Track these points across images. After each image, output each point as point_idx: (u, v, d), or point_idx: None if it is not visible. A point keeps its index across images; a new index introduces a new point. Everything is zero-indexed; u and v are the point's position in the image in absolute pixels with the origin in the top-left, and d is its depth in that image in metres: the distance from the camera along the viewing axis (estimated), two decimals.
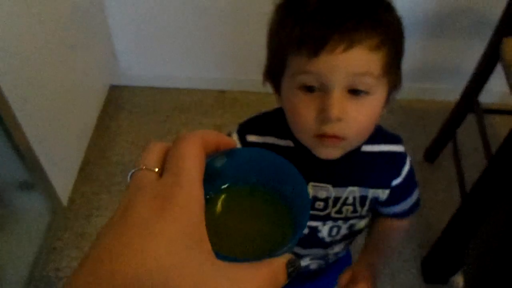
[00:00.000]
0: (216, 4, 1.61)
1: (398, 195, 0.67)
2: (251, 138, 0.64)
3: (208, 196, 0.31)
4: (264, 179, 0.33)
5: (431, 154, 1.61)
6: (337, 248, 0.72)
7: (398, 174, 0.65)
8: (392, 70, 0.54)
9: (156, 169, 0.27)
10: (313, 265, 0.74)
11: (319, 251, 0.71)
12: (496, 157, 0.97)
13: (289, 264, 0.27)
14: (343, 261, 0.84)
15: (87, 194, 1.52)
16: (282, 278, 0.26)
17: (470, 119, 1.43)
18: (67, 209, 1.46)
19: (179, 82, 1.88)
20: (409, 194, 0.69)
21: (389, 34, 0.51)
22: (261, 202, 0.33)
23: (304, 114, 0.54)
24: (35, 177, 1.23)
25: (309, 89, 0.52)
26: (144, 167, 0.27)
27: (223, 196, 0.32)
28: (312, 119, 0.53)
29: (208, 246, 0.25)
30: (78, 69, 1.50)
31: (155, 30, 1.72)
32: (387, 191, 0.66)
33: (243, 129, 0.66)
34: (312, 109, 0.53)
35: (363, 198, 0.65)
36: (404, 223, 0.72)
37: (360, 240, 0.80)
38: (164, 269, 0.23)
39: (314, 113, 0.53)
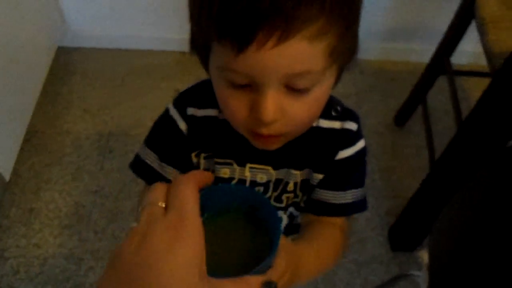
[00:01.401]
0: None
1: (342, 173, 0.57)
2: (191, 111, 0.56)
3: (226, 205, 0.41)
4: (242, 206, 0.41)
5: (401, 118, 1.55)
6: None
7: (346, 147, 0.56)
8: (344, 50, 0.43)
9: (163, 205, 0.35)
10: None
11: None
12: (466, 122, 0.91)
13: (265, 284, 0.36)
14: None
15: (35, 166, 1.40)
16: None
17: (442, 81, 1.37)
18: (12, 184, 1.35)
19: (135, 43, 1.74)
20: (352, 182, 0.58)
21: (336, 8, 0.38)
22: (242, 226, 0.41)
23: (234, 110, 0.45)
24: None
25: (238, 85, 0.43)
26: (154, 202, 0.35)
27: (210, 223, 0.40)
28: (243, 116, 0.44)
29: (205, 268, 0.33)
30: (19, 28, 1.35)
31: None
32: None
33: (182, 102, 0.57)
34: (243, 106, 0.44)
35: (305, 183, 0.58)
36: (337, 229, 0.58)
37: None
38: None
39: (245, 110, 0.44)
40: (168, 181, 0.57)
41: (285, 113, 0.43)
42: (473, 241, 0.60)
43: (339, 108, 0.56)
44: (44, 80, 1.58)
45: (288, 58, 0.39)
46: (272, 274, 0.38)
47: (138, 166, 0.60)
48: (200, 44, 0.45)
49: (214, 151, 0.56)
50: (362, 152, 0.57)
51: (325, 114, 0.53)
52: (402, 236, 1.27)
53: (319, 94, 0.44)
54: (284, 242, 0.41)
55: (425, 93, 1.40)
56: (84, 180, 1.39)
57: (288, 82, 0.41)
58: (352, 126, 0.56)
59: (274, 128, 0.44)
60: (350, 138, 0.56)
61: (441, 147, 1.03)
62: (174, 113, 0.57)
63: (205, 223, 0.35)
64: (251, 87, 0.42)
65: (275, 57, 0.38)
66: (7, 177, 1.31)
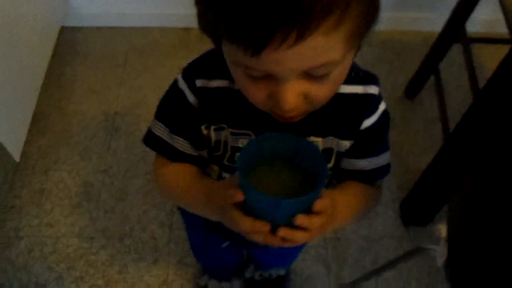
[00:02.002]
0: None
1: (368, 141, 0.56)
2: (200, 82, 0.54)
3: (254, 166, 0.46)
4: (286, 154, 0.46)
5: (412, 90, 1.51)
6: None
7: (370, 115, 0.55)
8: (364, 29, 0.40)
9: None
10: None
11: None
12: (483, 92, 0.87)
13: None
14: None
15: (43, 147, 1.40)
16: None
17: (454, 52, 1.32)
18: (22, 165, 1.35)
19: (137, 20, 1.70)
20: (378, 147, 0.58)
21: None
22: (287, 172, 0.47)
23: (253, 94, 0.44)
24: None
25: (256, 76, 0.41)
26: None
27: (264, 166, 0.47)
28: (263, 100, 0.44)
29: None
30: (21, 10, 1.32)
31: None
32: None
33: (191, 73, 0.55)
34: (263, 92, 0.43)
35: (328, 151, 0.56)
36: (371, 189, 0.60)
37: None
38: None
39: (265, 95, 0.43)
40: (179, 152, 0.57)
41: (306, 97, 0.42)
42: (492, 215, 0.59)
43: (360, 72, 0.53)
44: (48, 62, 1.56)
45: (305, 55, 0.37)
46: (321, 204, 0.43)
47: (150, 140, 0.60)
48: (210, 31, 0.42)
49: (229, 122, 0.54)
50: (386, 114, 0.56)
51: (346, 78, 0.50)
52: (414, 211, 1.25)
53: (339, 74, 0.43)
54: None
55: (438, 63, 1.36)
56: (91, 159, 1.38)
57: (307, 72, 0.40)
58: (374, 90, 0.54)
59: (296, 110, 0.44)
60: (373, 103, 0.54)
61: (455, 120, 1.01)
62: (182, 85, 0.55)
63: (255, 172, 0.44)
64: (270, 76, 0.41)
65: (292, 56, 0.37)
66: (17, 158, 1.31)
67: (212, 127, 0.55)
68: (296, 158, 0.46)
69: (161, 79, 1.55)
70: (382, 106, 0.55)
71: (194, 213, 0.60)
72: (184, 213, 0.83)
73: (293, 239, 0.44)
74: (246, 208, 0.44)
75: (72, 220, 1.26)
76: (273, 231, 0.44)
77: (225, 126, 0.54)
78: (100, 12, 1.68)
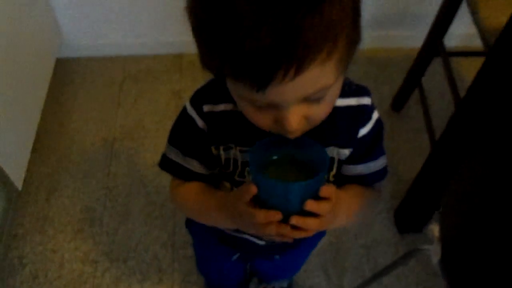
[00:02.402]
0: None
1: (364, 148, 0.61)
2: (207, 107, 0.59)
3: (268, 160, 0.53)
4: (285, 154, 0.54)
5: (398, 103, 1.59)
6: None
7: (365, 124, 0.60)
8: (351, 52, 0.45)
9: None
10: None
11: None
12: (464, 100, 0.94)
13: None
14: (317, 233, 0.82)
15: (44, 175, 1.43)
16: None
17: (435, 65, 1.40)
18: (24, 193, 1.37)
19: (130, 49, 1.76)
20: (375, 152, 0.63)
21: (341, 30, 0.40)
22: (289, 169, 0.53)
23: (258, 120, 0.49)
24: None
25: (259, 106, 0.46)
26: None
27: (272, 167, 0.53)
28: (268, 125, 0.48)
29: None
30: (19, 45, 1.37)
31: None
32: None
33: (198, 100, 0.60)
34: (266, 118, 0.47)
35: (330, 161, 0.61)
36: (371, 190, 0.66)
37: None
38: None
39: (269, 121, 0.48)
40: (192, 172, 0.61)
41: (306, 118, 0.47)
42: (482, 211, 0.63)
43: (353, 86, 0.59)
44: (46, 92, 1.61)
45: (304, 85, 0.42)
46: (327, 189, 0.48)
47: (165, 163, 0.65)
48: (214, 71, 0.46)
49: (236, 141, 0.59)
50: (379, 122, 0.61)
51: (341, 93, 0.55)
52: (408, 218, 1.30)
53: (333, 94, 0.48)
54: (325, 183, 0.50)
55: (421, 77, 1.44)
56: (92, 185, 1.41)
57: (306, 97, 0.45)
58: (367, 101, 0.59)
59: (300, 130, 0.49)
60: (367, 113, 0.60)
61: (440, 128, 1.07)
62: (191, 111, 0.60)
63: (264, 170, 0.50)
64: (273, 104, 0.45)
65: (293, 87, 0.41)
66: (19, 186, 1.34)
67: (221, 147, 0.60)
68: (298, 156, 0.52)
69: (156, 103, 1.60)
70: (375, 115, 0.61)
71: (210, 224, 0.64)
72: (193, 229, 0.87)
73: (305, 225, 0.49)
74: (259, 203, 0.49)
75: (76, 244, 1.29)
76: (285, 221, 0.49)
77: (232, 145, 0.59)
78: (94, 43, 1.74)
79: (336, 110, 0.56)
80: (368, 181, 0.64)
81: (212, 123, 0.59)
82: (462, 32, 1.64)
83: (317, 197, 0.49)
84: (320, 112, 0.48)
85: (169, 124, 0.64)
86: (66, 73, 1.72)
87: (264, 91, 0.41)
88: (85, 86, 1.68)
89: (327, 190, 0.49)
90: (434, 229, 0.77)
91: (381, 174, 0.65)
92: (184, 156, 0.62)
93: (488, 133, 0.77)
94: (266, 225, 0.49)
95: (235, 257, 0.83)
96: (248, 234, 0.71)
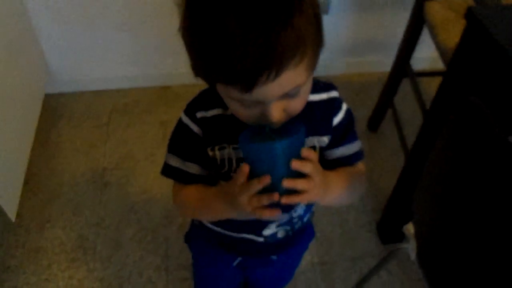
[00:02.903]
0: None
1: (340, 134, 0.70)
2: (200, 114, 0.67)
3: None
4: (274, 136, 0.58)
5: (374, 123, 1.69)
6: (299, 210, 0.75)
7: (337, 113, 0.69)
8: (317, 52, 0.55)
9: None
10: (280, 233, 0.77)
11: (283, 216, 0.74)
12: (430, 111, 1.03)
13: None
14: (308, 233, 0.89)
15: (36, 206, 1.46)
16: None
17: (405, 86, 1.51)
18: (16, 225, 1.40)
19: (117, 83, 1.83)
20: (350, 136, 0.71)
21: (308, 37, 0.51)
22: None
23: (244, 116, 0.58)
24: None
25: (246, 104, 0.56)
26: None
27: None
28: (253, 119, 0.58)
29: None
30: (9, 82, 1.43)
31: (84, 29, 1.66)
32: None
33: (191, 109, 0.68)
34: (253, 113, 0.57)
35: (312, 149, 0.68)
36: (355, 168, 0.74)
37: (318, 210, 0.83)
38: None
39: (255, 115, 0.57)
40: (193, 176, 0.68)
41: (285, 110, 0.57)
42: (447, 204, 0.70)
43: (321, 83, 0.69)
44: (36, 127, 1.66)
45: (282, 84, 0.52)
46: (306, 150, 0.57)
47: (167, 170, 0.72)
48: (205, 78, 0.57)
49: (228, 140, 0.67)
50: (349, 111, 0.71)
51: (312, 90, 0.64)
52: (389, 229, 1.37)
53: (306, 90, 0.59)
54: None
55: (392, 98, 1.54)
56: (84, 214, 1.44)
57: (284, 94, 0.55)
58: (335, 94, 0.70)
59: (280, 122, 0.58)
60: (337, 104, 0.70)
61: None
62: (186, 120, 0.68)
63: (247, 142, 0.56)
64: (258, 102, 0.55)
65: (274, 87, 0.52)
66: (12, 218, 1.36)
67: (216, 148, 0.67)
68: (278, 139, 0.59)
69: (144, 133, 1.66)
70: (344, 106, 0.71)
71: (212, 218, 0.72)
72: (193, 243, 0.93)
73: (296, 185, 0.55)
74: (251, 176, 0.56)
75: (70, 273, 1.31)
76: (277, 189, 0.55)
77: (226, 145, 0.67)
78: (81, 78, 1.81)
79: (312, 104, 0.66)
80: (349, 161, 0.73)
81: (206, 127, 0.67)
82: (426, 55, 1.77)
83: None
84: (296, 105, 0.58)
85: (157, 153, 0.72)
86: (55, 108, 1.77)
87: (251, 92, 0.51)
88: (74, 120, 1.74)
89: (307, 150, 0.57)
90: (410, 227, 0.84)
91: (359, 154, 0.74)
92: (184, 161, 0.70)
93: (451, 136, 0.85)
94: (260, 197, 0.55)
95: (235, 262, 0.88)
96: (247, 232, 0.77)
